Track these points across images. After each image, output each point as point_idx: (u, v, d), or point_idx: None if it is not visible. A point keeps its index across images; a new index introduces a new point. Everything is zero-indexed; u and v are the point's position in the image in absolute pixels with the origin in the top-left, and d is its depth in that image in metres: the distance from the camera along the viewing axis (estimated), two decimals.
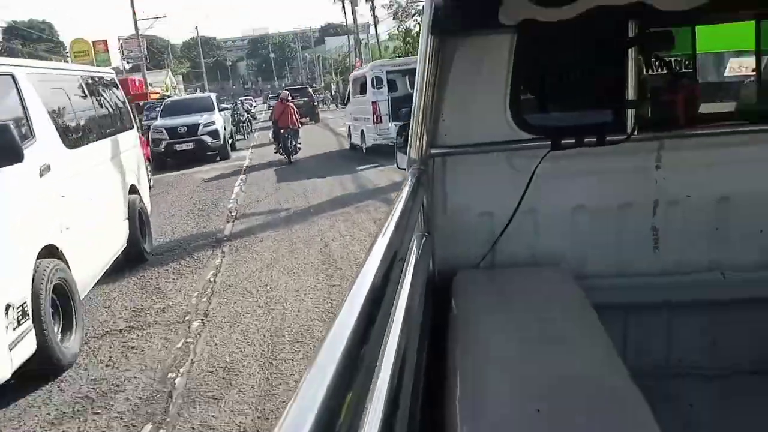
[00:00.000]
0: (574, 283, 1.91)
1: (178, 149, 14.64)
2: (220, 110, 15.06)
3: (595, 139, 2.06)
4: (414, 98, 2.02)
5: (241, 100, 25.99)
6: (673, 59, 2.19)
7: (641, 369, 1.64)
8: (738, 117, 2.11)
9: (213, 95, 17.00)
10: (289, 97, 14.04)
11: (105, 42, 56.07)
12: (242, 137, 19.34)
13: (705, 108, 2.20)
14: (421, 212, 1.89)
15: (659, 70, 2.21)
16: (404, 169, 2.14)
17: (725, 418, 2.00)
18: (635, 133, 2.02)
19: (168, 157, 14.46)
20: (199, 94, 22.25)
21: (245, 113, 21.80)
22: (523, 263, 2.19)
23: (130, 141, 6.12)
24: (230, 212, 8.12)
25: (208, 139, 14.73)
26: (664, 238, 2.16)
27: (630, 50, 1.96)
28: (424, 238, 1.93)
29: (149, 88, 55.43)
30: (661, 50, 2.15)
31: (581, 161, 2.06)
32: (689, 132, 2.06)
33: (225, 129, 14.56)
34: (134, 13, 45.22)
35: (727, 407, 2.03)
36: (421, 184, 1.80)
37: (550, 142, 2.05)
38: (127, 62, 58.79)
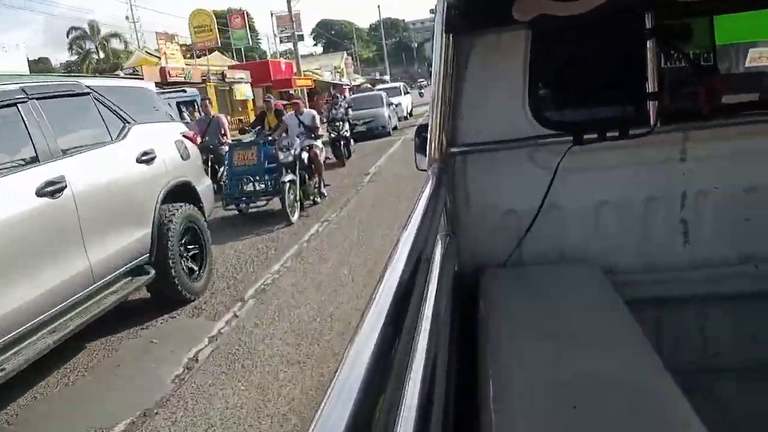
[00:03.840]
0: (604, 278, 1.94)
1: None
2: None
3: (617, 133, 2.06)
4: (431, 98, 2.08)
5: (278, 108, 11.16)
6: (692, 51, 2.20)
7: (677, 365, 1.57)
8: (762, 107, 2.14)
9: None
10: None
11: (243, 15, 46.06)
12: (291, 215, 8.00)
13: (727, 99, 2.25)
14: (444, 212, 1.90)
15: (679, 62, 2.21)
16: (424, 170, 2.14)
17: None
18: (658, 125, 2.05)
19: None
20: None
21: (286, 149, 8.39)
22: (550, 260, 2.21)
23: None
24: None
25: None
26: (694, 230, 2.17)
27: (648, 42, 2.01)
28: (449, 238, 1.93)
29: (307, 73, 47.00)
30: (680, 42, 2.16)
31: (604, 155, 2.12)
32: (713, 123, 2.08)
33: None
34: None
35: None
36: (443, 184, 1.85)
37: (571, 137, 2.08)
38: (281, 41, 49.94)
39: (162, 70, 28.98)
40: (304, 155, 7.97)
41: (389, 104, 19.52)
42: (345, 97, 20.92)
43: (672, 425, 1.16)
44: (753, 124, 2.02)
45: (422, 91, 41.67)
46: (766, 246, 2.05)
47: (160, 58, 34.87)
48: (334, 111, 12.91)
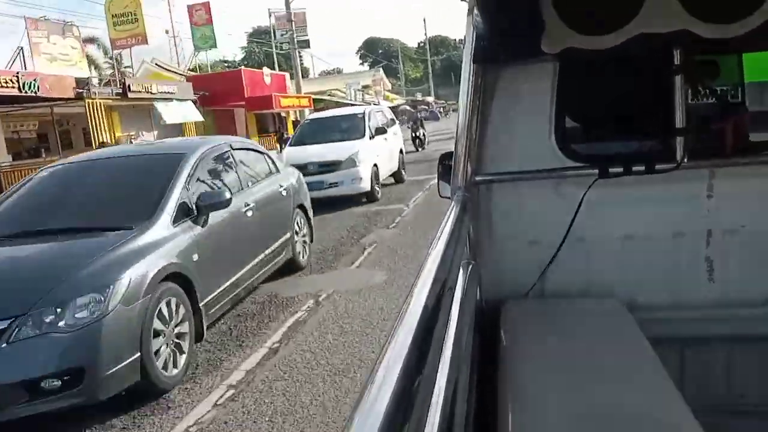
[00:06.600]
0: (627, 314, 1.95)
1: None
2: None
3: (643, 167, 2.07)
4: (457, 126, 2.17)
5: None
6: (720, 88, 2.26)
7: (701, 405, 1.56)
8: None
9: None
10: None
11: (207, 6, 31.63)
12: None
13: (755, 137, 2.29)
14: (467, 240, 1.98)
15: (707, 98, 2.22)
16: (447, 197, 2.24)
17: None
18: (685, 161, 2.09)
19: None
20: None
21: None
22: (572, 293, 2.22)
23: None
24: None
25: None
26: (719, 269, 2.16)
27: (676, 78, 2.09)
28: (471, 266, 1.88)
29: (333, 92, 39.83)
30: (708, 78, 2.21)
31: (630, 189, 2.17)
32: (741, 161, 2.16)
33: None
34: None
35: None
36: (466, 212, 1.89)
37: (597, 170, 2.12)
38: (279, 47, 38.35)
39: None
40: None
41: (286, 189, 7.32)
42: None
43: None
44: None
45: (440, 111, 26.65)
46: None
47: (174, 72, 27.04)
48: None
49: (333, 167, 11.09)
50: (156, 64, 29.59)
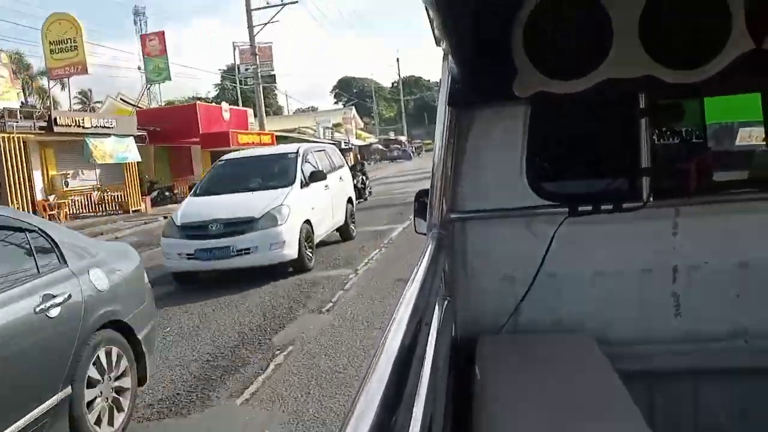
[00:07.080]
0: (598, 350, 2.07)
1: None
2: None
3: (611, 206, 2.22)
4: (433, 165, 2.32)
5: None
6: (684, 129, 2.41)
7: None
8: (751, 185, 2.40)
9: None
10: None
11: (161, 35, 29.14)
12: None
13: (718, 176, 2.48)
14: (443, 276, 2.08)
15: (671, 139, 2.36)
16: (423, 234, 2.39)
17: None
18: (651, 200, 2.25)
19: None
20: None
21: None
22: (545, 328, 2.35)
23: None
24: None
25: None
26: (685, 304, 2.29)
27: (642, 120, 2.26)
28: (446, 302, 2.03)
29: (304, 129, 37.73)
30: (672, 121, 2.37)
31: (599, 227, 2.33)
32: (704, 199, 2.34)
33: None
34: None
35: None
36: (442, 249, 2.01)
37: (567, 209, 2.27)
38: (243, 82, 35.58)
39: None
40: None
41: None
42: None
43: None
44: (742, 202, 2.34)
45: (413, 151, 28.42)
46: (756, 321, 2.30)
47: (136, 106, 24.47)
48: None
49: (244, 227, 8.17)
50: (121, 99, 28.27)
